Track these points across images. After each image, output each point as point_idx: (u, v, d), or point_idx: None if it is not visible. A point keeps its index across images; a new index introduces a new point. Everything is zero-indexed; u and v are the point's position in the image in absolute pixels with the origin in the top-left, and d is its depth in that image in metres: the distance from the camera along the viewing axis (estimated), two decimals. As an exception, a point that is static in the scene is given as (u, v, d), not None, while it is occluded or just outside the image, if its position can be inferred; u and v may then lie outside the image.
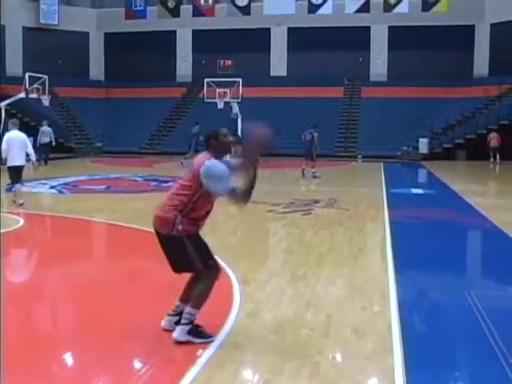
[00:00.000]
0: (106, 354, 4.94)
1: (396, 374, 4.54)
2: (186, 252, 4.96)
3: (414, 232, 11.39)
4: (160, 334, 5.20)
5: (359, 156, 33.34)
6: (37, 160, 25.45)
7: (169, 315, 5.30)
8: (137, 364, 4.83)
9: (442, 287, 7.32)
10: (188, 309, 5.06)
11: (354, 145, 35.35)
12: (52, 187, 17.78)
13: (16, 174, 13.22)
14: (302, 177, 21.22)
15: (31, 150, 13.53)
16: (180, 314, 5.21)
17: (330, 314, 5.95)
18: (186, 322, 5.02)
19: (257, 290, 6.82)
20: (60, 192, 16.91)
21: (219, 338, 5.18)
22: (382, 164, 28.02)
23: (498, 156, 29.94)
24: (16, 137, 13.16)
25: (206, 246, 5.10)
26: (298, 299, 6.49)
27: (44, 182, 19.19)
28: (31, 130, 33.65)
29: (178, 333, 5.01)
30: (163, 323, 5.29)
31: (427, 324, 5.91)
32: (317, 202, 14.73)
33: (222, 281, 7.01)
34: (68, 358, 4.99)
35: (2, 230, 10.48)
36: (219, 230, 11.13)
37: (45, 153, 26.73)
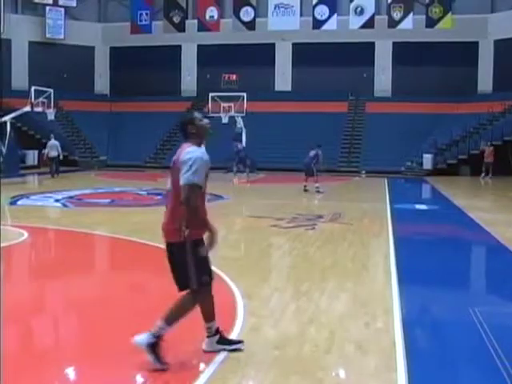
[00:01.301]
0: (107, 372, 4.91)
1: (400, 391, 4.51)
2: (186, 259, 4.82)
3: (418, 247, 11.37)
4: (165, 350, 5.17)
5: (363, 171, 33.32)
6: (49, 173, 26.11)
7: (207, 337, 5.19)
8: (139, 379, 4.80)
9: (445, 303, 7.29)
10: (160, 322, 4.90)
11: (357, 160, 35.35)
12: (56, 200, 17.81)
13: None
14: (304, 192, 21.21)
15: None
16: (217, 332, 5.16)
17: (333, 329, 5.93)
18: (154, 334, 4.85)
19: (260, 304, 6.80)
20: (64, 205, 16.93)
21: (222, 352, 5.16)
22: (385, 179, 28.01)
23: (490, 171, 29.99)
24: None
25: (207, 261, 4.98)
26: (301, 314, 6.47)
27: (48, 195, 19.22)
28: (36, 144, 33.95)
29: (144, 339, 4.85)
30: (204, 346, 5.18)
31: (431, 340, 5.89)
32: (320, 216, 14.71)
33: (225, 295, 7.04)
34: (70, 374, 4.97)
35: (5, 244, 10.49)
36: (222, 244, 11.12)
37: (55, 165, 27.40)
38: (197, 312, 5.15)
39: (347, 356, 5.26)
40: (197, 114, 5.09)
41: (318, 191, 21.17)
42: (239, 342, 5.25)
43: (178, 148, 5.04)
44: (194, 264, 4.85)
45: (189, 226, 4.77)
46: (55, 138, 27.89)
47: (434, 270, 9.15)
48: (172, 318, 4.92)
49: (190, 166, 4.71)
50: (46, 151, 27.74)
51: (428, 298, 7.57)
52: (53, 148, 27.19)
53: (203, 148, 4.95)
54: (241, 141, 30.48)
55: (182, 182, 4.73)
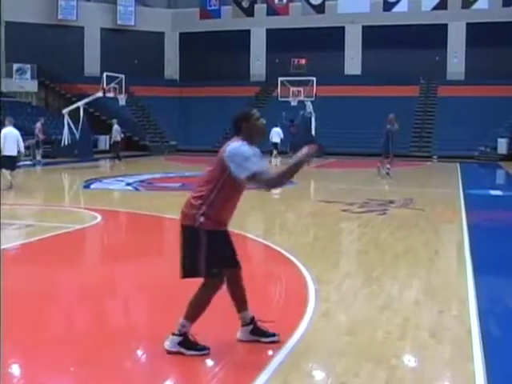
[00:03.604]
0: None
1: (477, 383, 4.37)
2: (198, 248, 4.71)
3: (493, 235, 11.04)
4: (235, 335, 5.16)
5: (434, 156, 32.67)
6: (112, 158, 26.59)
7: (242, 326, 5.08)
8: (209, 362, 4.80)
9: (523, 293, 7.07)
10: (181, 320, 4.81)
11: (429, 145, 34.69)
12: (128, 184, 18.12)
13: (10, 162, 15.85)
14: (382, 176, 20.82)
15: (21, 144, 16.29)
16: (251, 322, 5.02)
17: (406, 316, 5.81)
18: (178, 333, 4.77)
19: (331, 290, 6.72)
20: (136, 189, 17.21)
21: (294, 337, 5.11)
22: (458, 164, 27.37)
23: None
24: (10, 132, 15.89)
25: (222, 252, 4.81)
26: (373, 301, 6.36)
27: (120, 179, 19.58)
28: (107, 129, 34.70)
29: (169, 343, 4.79)
30: (239, 335, 5.07)
31: (508, 331, 5.69)
32: (392, 202, 14.48)
33: (296, 280, 7.00)
34: (138, 354, 5.02)
35: (80, 226, 10.73)
36: (292, 229, 11.09)
37: (119, 150, 27.68)
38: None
39: (421, 344, 5.13)
40: (254, 111, 4.92)
41: (388, 173, 20.79)
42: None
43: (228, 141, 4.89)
44: (205, 253, 4.70)
45: (206, 215, 4.70)
46: (118, 124, 28.30)
47: (510, 259, 8.87)
48: (191, 314, 4.82)
49: (242, 160, 4.56)
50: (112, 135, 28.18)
51: (504, 287, 7.34)
52: (116, 132, 27.64)
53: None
54: (310, 128, 30.33)
55: (242, 178, 4.60)
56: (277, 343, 4.98)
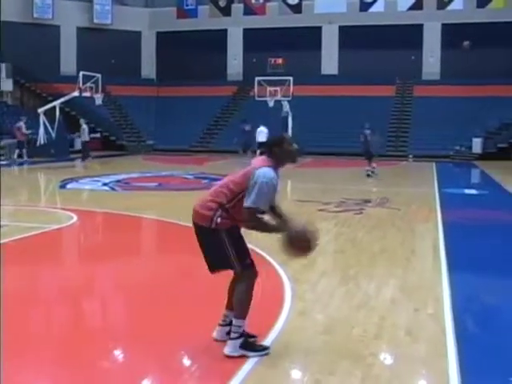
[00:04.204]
0: (146, 357, 4.94)
1: (451, 379, 4.43)
2: (224, 246, 4.77)
3: (468, 233, 11.16)
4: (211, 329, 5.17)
5: (410, 156, 32.91)
6: (82, 158, 26.44)
7: (219, 325, 5.10)
8: (186, 362, 4.81)
9: (496, 291, 7.16)
10: (234, 321, 4.85)
11: (405, 144, 34.91)
12: (104, 184, 18.04)
13: None
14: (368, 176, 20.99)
15: None
16: (230, 323, 5.00)
17: (382, 315, 5.87)
18: (236, 335, 4.79)
19: (308, 289, 6.77)
20: (112, 189, 17.14)
21: (270, 336, 5.15)
22: (433, 164, 27.61)
23: None
24: None
25: (244, 243, 4.91)
26: (350, 299, 6.41)
27: (97, 178, 19.48)
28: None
29: (230, 348, 4.78)
30: (215, 334, 5.09)
31: (482, 328, 5.78)
32: (368, 201, 14.58)
33: (273, 279, 7.03)
34: (114, 355, 5.02)
35: (55, 226, 10.68)
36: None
37: (88, 150, 27.70)
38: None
39: (397, 342, 5.20)
40: (287, 137, 5.00)
41: (369, 175, 20.97)
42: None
43: (256, 158, 5.01)
44: (233, 249, 4.78)
45: (222, 217, 4.74)
46: (95, 123, 28.25)
47: (484, 257, 8.98)
48: (242, 311, 4.84)
49: (258, 189, 4.67)
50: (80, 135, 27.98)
51: (478, 285, 7.43)
52: (84, 133, 27.52)
53: (275, 173, 4.86)
54: (286, 128, 30.38)
55: (245, 203, 4.69)
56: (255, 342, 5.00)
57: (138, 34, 44.31)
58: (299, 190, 17.85)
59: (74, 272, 7.93)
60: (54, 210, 12.94)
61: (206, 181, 19.64)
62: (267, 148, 4.95)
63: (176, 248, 9.48)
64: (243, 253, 4.85)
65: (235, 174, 4.91)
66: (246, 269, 4.84)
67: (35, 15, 39.97)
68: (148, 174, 21.88)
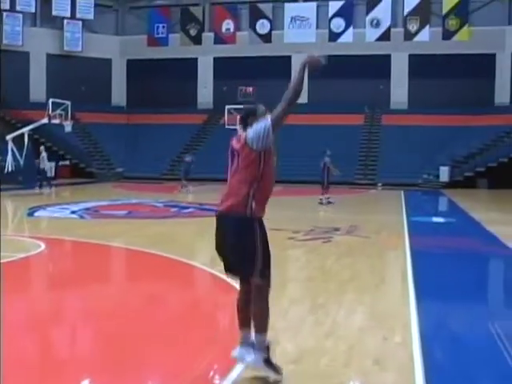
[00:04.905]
0: None
1: (419, 407, 4.45)
2: (255, 239, 4.70)
3: (436, 261, 11.26)
4: (184, 364, 5.14)
5: (379, 184, 33.22)
6: (42, 186, 26.03)
7: (241, 347, 4.96)
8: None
9: (464, 318, 7.22)
10: (258, 336, 4.79)
11: (374, 172, 35.26)
12: (73, 212, 17.89)
13: None
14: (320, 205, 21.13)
15: None
16: (268, 349, 4.88)
17: (350, 343, 5.88)
18: (262, 349, 4.78)
19: (277, 317, 6.75)
20: (81, 217, 17.00)
21: (238, 366, 5.12)
22: (402, 192, 27.88)
23: None
24: None
25: (269, 252, 4.85)
26: (319, 328, 6.42)
27: (65, 206, 19.32)
28: (53, 156, 34.25)
29: (255, 359, 4.74)
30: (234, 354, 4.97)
31: (450, 356, 5.81)
32: (337, 229, 14.65)
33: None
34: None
35: (22, 255, 10.55)
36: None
37: (47, 178, 27.29)
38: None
39: (365, 371, 5.20)
40: (261, 107, 5.05)
41: (329, 202, 21.14)
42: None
43: (235, 136, 4.97)
44: (262, 250, 4.73)
45: (256, 199, 4.70)
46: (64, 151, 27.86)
47: (452, 284, 9.06)
48: (261, 325, 4.80)
49: (257, 129, 4.74)
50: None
51: (446, 313, 7.49)
52: (44, 160, 27.09)
53: None
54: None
55: (270, 118, 4.79)
56: (223, 368, 5.00)
57: (109, 61, 44.35)
58: (269, 219, 17.79)
59: (41, 301, 7.82)
60: (21, 238, 12.78)
61: (175, 209, 19.60)
62: (243, 121, 4.95)
63: (144, 276, 9.42)
64: (268, 260, 4.82)
65: (233, 163, 4.85)
66: (263, 279, 4.80)
67: (5, 41, 39.85)
68: (117, 202, 21.77)
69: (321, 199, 21.37)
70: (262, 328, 4.79)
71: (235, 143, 4.89)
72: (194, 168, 29.03)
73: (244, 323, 4.96)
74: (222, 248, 4.86)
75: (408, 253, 11.28)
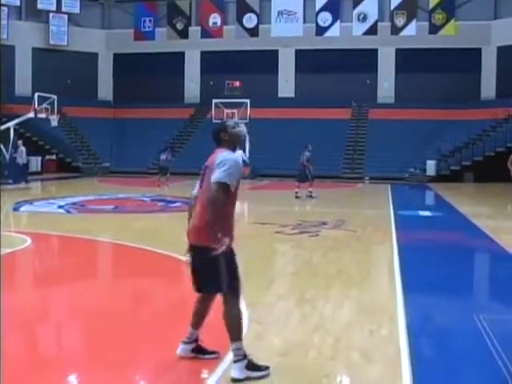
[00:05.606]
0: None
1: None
2: (218, 268, 4.71)
3: (423, 254, 11.31)
4: (172, 361, 5.14)
5: (366, 178, 33.31)
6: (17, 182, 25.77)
7: (184, 343, 5.11)
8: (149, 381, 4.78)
9: (450, 311, 7.25)
10: (233, 345, 4.82)
11: (361, 166, 35.35)
12: (60, 207, 17.79)
13: None
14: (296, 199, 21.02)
15: None
16: (195, 341, 5.08)
17: (337, 337, 5.89)
18: (240, 357, 4.79)
19: (264, 312, 6.77)
20: (67, 212, 16.91)
21: (226, 360, 5.12)
22: (389, 186, 27.96)
23: None
24: None
25: (236, 264, 4.89)
26: (306, 322, 6.43)
27: (52, 201, 19.22)
28: (39, 150, 34.02)
29: (238, 371, 4.74)
30: (179, 351, 5.10)
31: (436, 348, 5.84)
32: (324, 223, 14.66)
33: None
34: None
35: (8, 250, 10.48)
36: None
37: (25, 173, 27.00)
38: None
39: (352, 364, 5.22)
40: (229, 122, 5.06)
41: (311, 196, 21.11)
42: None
43: (211, 154, 5.00)
44: (226, 270, 4.76)
45: (223, 230, 4.70)
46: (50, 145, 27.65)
47: (439, 278, 9.10)
48: (236, 334, 4.83)
49: (224, 166, 4.69)
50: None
51: (433, 306, 7.52)
52: (21, 154, 26.87)
53: (238, 152, 4.94)
54: (244, 151, 30.43)
55: (212, 179, 4.69)
56: (211, 364, 5.02)
57: (95, 55, 44.14)
58: (256, 213, 17.87)
59: (26, 297, 7.78)
60: (6, 233, 12.70)
61: (162, 203, 19.55)
62: (216, 138, 4.99)
63: (131, 271, 9.40)
64: (234, 274, 4.84)
65: (207, 178, 4.86)
66: (233, 292, 4.84)
67: (-11, 35, 39.51)
68: (104, 197, 21.69)
69: (296, 192, 21.22)
70: (236, 336, 4.83)
71: (210, 160, 4.95)
72: (175, 163, 28.79)
73: (194, 324, 5.14)
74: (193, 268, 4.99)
75: (395, 247, 11.33)
